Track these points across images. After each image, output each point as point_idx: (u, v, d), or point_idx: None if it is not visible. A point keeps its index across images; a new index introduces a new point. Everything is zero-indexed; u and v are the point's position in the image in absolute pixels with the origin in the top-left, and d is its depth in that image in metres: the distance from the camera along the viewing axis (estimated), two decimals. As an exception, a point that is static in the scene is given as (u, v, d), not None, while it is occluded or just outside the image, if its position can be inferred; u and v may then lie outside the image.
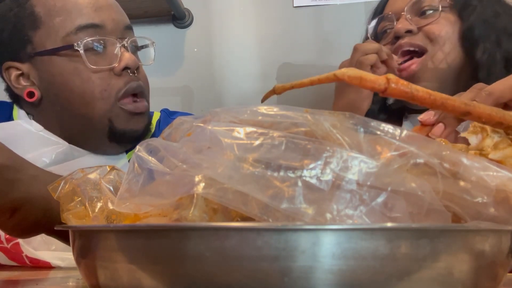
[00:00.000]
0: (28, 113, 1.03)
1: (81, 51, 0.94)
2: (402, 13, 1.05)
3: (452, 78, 1.04)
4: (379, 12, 1.14)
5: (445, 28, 1.03)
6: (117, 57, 0.96)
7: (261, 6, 1.48)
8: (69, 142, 0.99)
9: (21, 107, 1.04)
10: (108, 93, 0.95)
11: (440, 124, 0.55)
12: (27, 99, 0.98)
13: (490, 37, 1.02)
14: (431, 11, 1.05)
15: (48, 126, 0.99)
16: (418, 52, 1.04)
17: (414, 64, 1.03)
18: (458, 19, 1.05)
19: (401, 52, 1.04)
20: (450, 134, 0.56)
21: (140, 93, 0.99)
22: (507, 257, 0.37)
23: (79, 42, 0.94)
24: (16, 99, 1.04)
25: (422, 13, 1.05)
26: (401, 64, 1.04)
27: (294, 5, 1.46)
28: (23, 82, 0.99)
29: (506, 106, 0.59)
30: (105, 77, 0.95)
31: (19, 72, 0.98)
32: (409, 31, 1.04)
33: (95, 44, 0.95)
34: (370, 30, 1.12)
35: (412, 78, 1.02)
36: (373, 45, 1.02)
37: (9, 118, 1.04)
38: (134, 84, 0.97)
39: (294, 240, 0.31)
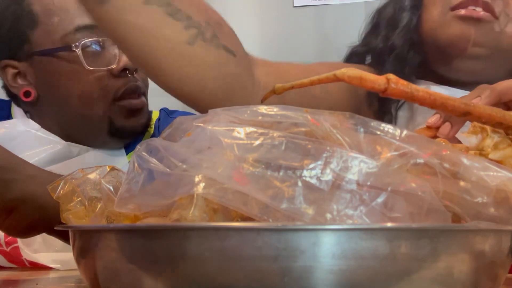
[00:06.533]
0: (25, 112, 1.03)
1: (79, 52, 0.93)
2: None
3: (506, 61, 0.88)
4: None
5: None
6: (116, 57, 0.95)
7: (261, 6, 1.48)
8: (68, 139, 0.99)
9: (18, 105, 1.04)
10: (106, 92, 0.95)
11: (447, 123, 0.55)
12: (23, 98, 0.97)
13: None
14: None
15: (45, 124, 1.00)
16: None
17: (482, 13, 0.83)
18: None
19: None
20: (456, 132, 0.56)
21: (138, 92, 0.99)
22: (507, 257, 0.37)
23: (77, 43, 0.93)
24: (14, 97, 1.04)
25: None
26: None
27: (294, 5, 1.46)
28: (20, 81, 0.98)
29: (506, 106, 0.59)
30: (103, 77, 0.95)
31: (16, 70, 0.98)
32: None
33: (94, 44, 0.94)
34: None
35: (467, 37, 0.83)
36: None
37: (8, 116, 1.04)
38: (133, 86, 0.97)
39: (294, 240, 0.31)
